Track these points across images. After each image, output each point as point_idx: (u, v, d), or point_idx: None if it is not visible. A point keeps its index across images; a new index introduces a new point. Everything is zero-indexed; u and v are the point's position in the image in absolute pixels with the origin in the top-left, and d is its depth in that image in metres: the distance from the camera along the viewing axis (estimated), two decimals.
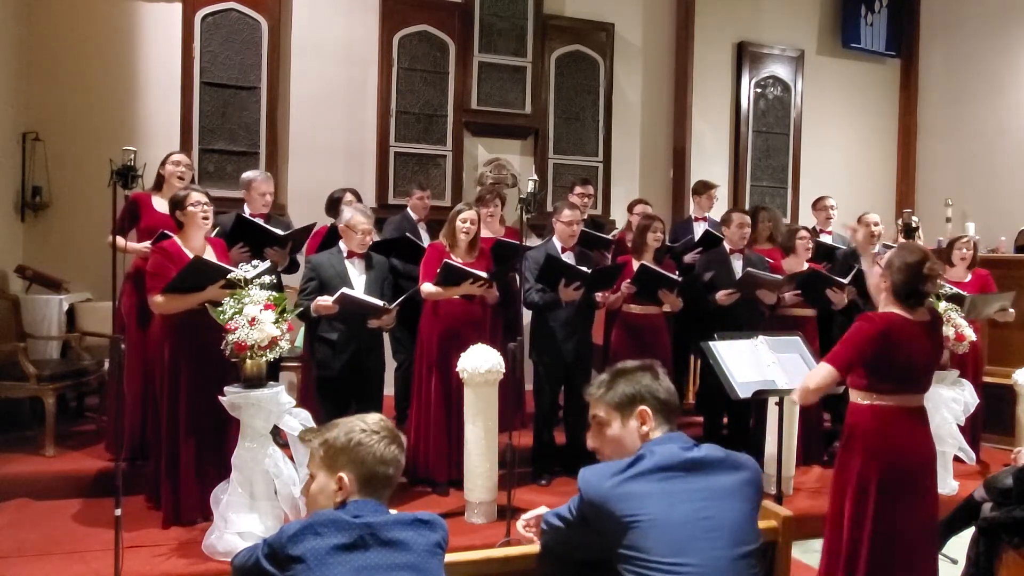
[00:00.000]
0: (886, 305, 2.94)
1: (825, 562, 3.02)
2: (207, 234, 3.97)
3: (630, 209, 6.08)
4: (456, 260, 4.41)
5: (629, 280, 4.73)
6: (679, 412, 2.05)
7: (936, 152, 8.41)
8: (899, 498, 2.85)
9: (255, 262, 3.71)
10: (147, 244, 4.24)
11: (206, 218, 3.88)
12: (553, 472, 4.73)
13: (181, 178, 4.47)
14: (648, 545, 1.78)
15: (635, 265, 4.84)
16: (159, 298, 3.73)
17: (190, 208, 3.83)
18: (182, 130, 6.00)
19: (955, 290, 4.95)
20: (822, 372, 2.93)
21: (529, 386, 5.09)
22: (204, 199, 3.88)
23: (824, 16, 8.39)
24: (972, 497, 3.74)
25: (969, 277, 5.41)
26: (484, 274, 4.43)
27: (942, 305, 4.74)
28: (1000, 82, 7.77)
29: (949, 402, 4.76)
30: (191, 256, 3.77)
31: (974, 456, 5.03)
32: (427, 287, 4.41)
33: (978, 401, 4.89)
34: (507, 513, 3.85)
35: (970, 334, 4.76)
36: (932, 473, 2.99)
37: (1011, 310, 5.33)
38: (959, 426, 4.80)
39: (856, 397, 3.02)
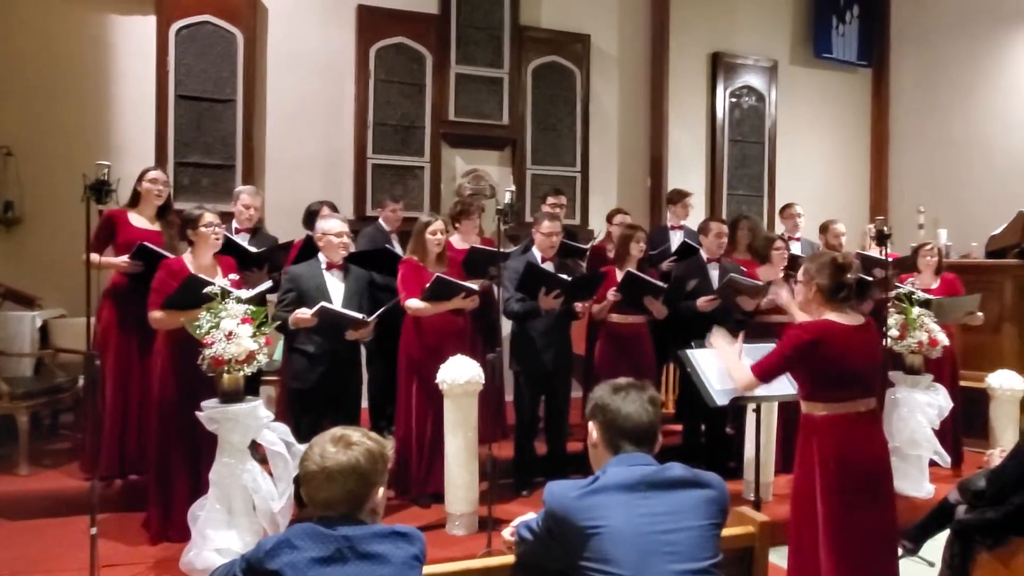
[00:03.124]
0: (819, 313, 2.98)
1: (793, 570, 3.03)
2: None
3: (609, 219, 6.11)
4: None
5: (615, 288, 4.74)
6: (650, 436, 2.03)
7: (908, 159, 8.53)
8: (858, 502, 2.88)
9: (232, 275, 3.71)
10: (124, 258, 4.23)
11: (218, 239, 3.94)
12: (534, 483, 4.71)
13: (159, 195, 4.49)
14: (609, 556, 1.82)
15: (618, 274, 4.84)
16: (157, 313, 3.78)
17: (202, 229, 3.89)
18: (157, 144, 5.94)
19: (925, 296, 5.01)
20: (745, 379, 2.97)
21: (509, 397, 5.09)
22: (217, 220, 3.96)
23: (796, 26, 8.51)
24: (946, 500, 3.79)
25: (937, 283, 5.47)
26: (475, 286, 4.43)
27: (915, 311, 4.80)
28: (970, 90, 7.90)
29: (924, 406, 4.81)
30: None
31: (949, 459, 5.08)
32: (414, 303, 4.35)
33: (952, 405, 4.94)
34: (488, 525, 3.84)
35: (943, 339, 4.82)
36: (888, 475, 3.01)
37: (979, 314, 5.41)
38: (935, 430, 4.86)
39: (807, 408, 3.04)
